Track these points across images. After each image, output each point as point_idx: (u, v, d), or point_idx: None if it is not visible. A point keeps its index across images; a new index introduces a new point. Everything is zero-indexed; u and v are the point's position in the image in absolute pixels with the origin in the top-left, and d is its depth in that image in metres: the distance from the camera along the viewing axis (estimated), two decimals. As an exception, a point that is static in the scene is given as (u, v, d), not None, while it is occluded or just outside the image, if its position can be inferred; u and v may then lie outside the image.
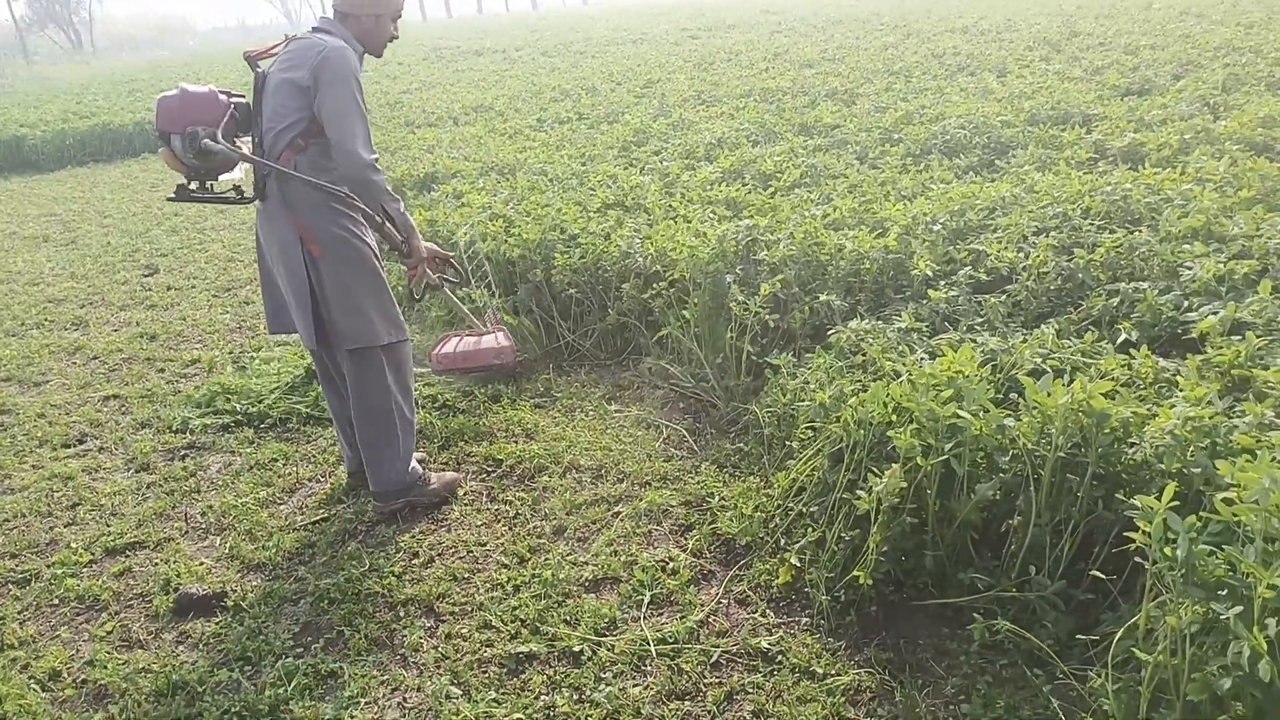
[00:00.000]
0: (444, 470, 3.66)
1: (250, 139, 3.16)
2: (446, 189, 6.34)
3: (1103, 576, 2.22)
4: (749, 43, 16.41)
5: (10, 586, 3.19)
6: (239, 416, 4.33)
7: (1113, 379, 2.87)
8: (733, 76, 11.11)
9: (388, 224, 3.22)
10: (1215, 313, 3.09)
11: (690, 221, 4.68)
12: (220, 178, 3.13)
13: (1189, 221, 3.72)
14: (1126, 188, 4.26)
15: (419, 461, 3.50)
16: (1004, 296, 3.66)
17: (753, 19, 23.78)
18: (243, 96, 3.15)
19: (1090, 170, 4.99)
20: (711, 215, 4.84)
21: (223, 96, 3.09)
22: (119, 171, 13.00)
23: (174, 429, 4.31)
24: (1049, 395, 2.46)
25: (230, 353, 5.38)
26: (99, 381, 5.08)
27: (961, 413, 2.50)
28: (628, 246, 4.57)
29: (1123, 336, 3.25)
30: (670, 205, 5.12)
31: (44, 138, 14.60)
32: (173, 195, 3.10)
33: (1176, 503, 2.01)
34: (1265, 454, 2.07)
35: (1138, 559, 2.08)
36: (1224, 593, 1.94)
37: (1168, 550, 1.97)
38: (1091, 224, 4.03)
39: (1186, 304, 3.30)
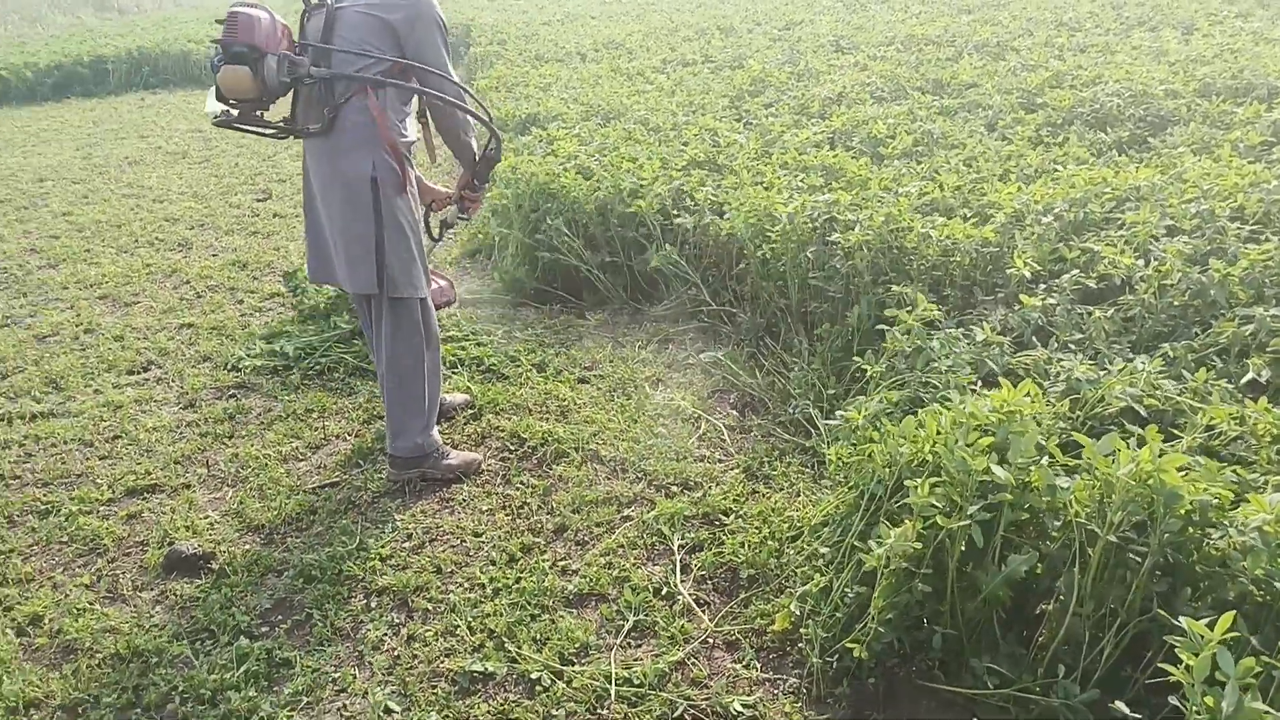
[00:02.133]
0: (466, 449, 3.49)
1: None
2: (539, 134, 6.08)
3: (1131, 716, 1.77)
4: (914, -18, 15.19)
5: (31, 517, 3.24)
6: (288, 360, 4.28)
7: (1219, 434, 2.36)
8: (881, 20, 10.26)
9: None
10: (1369, 363, 2.49)
11: (770, 189, 4.24)
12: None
13: (1363, 238, 3.04)
14: (1294, 186, 3.54)
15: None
16: (1113, 310, 3.11)
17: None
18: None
19: (1259, 159, 4.21)
20: (801, 184, 4.38)
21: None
22: (269, 90, 13.37)
23: (228, 366, 4.32)
24: (1111, 459, 2.00)
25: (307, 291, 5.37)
26: (182, 308, 5.17)
27: (996, 469, 2.07)
28: (697, 221, 4.22)
29: (1249, 374, 2.68)
30: (759, 170, 4.68)
31: (208, 54, 15.21)
32: (219, 118, 2.94)
33: (1236, 634, 1.57)
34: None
35: (1174, 700, 1.64)
36: (1283, 767, 1.50)
37: (1209, 699, 1.53)
38: (1240, 228, 3.36)
39: (1340, 344, 2.69)
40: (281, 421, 3.80)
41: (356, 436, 3.65)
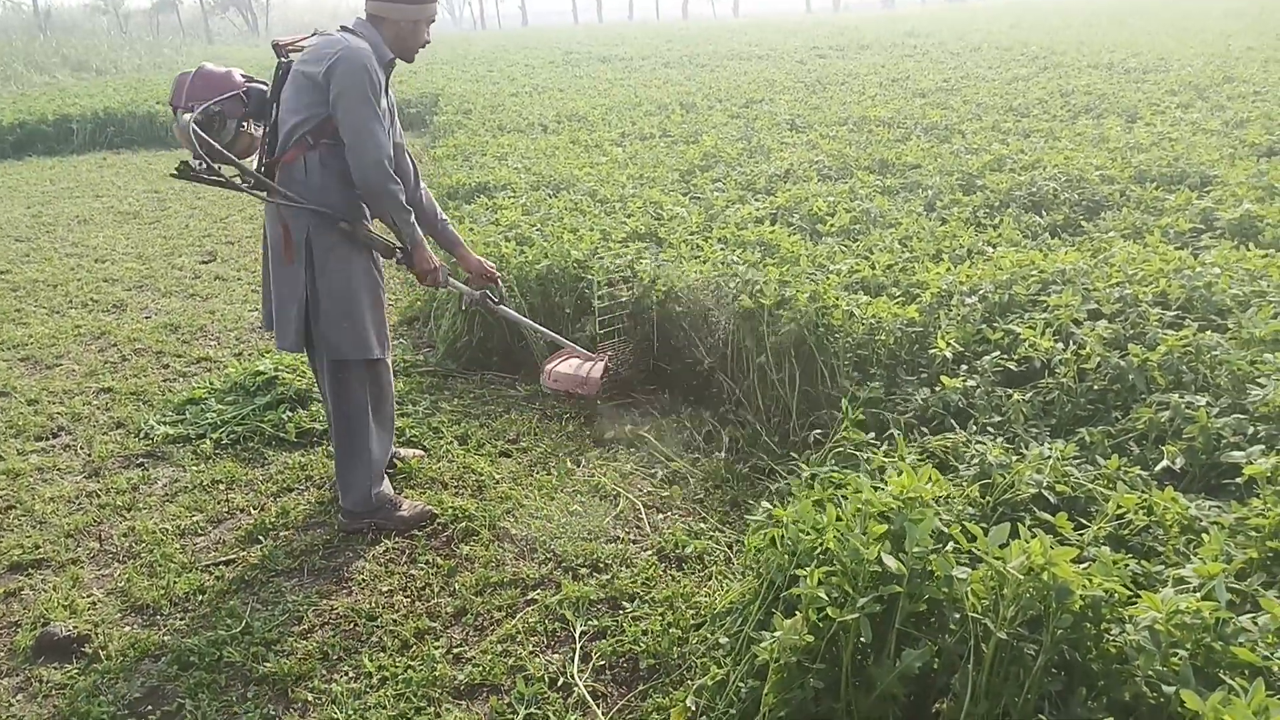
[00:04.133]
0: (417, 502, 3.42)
1: (261, 127, 3.06)
2: (484, 202, 6.06)
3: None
4: (874, 66, 15.64)
5: (-99, 594, 3.05)
6: (204, 428, 4.13)
7: (1128, 523, 2.29)
8: (837, 101, 10.49)
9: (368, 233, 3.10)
10: (1278, 450, 2.44)
11: (706, 263, 4.22)
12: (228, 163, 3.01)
13: (1277, 324, 3.03)
14: (1215, 270, 3.56)
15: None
16: (1032, 393, 3.08)
17: (891, 41, 22.83)
18: (265, 83, 3.07)
19: (1186, 245, 4.25)
20: (738, 259, 4.35)
21: (240, 78, 3.03)
22: (233, 154, 13.38)
23: (140, 434, 4.16)
24: (1002, 550, 1.92)
25: (239, 354, 5.25)
26: (104, 371, 5.01)
27: (887, 558, 1.98)
28: (634, 294, 4.17)
29: (1164, 462, 2.63)
30: (697, 244, 4.67)
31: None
32: (175, 172, 2.89)
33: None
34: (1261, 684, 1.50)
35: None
36: None
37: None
38: (1162, 314, 3.36)
39: (1252, 430, 2.65)
40: (186, 493, 3.63)
41: (261, 510, 3.50)
